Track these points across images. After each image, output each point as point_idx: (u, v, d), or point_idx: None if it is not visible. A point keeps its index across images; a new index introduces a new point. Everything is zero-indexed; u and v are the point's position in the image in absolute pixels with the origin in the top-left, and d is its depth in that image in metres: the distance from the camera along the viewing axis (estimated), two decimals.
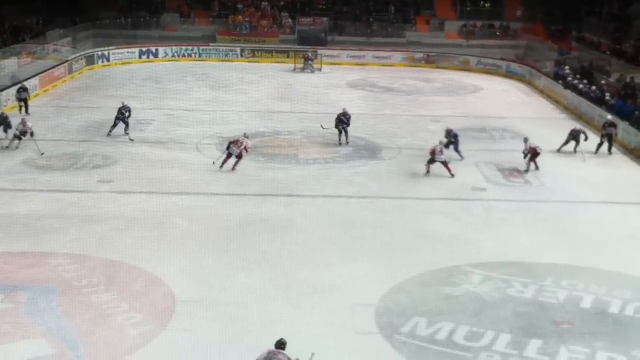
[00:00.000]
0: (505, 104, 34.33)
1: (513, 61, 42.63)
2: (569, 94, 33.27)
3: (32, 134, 23.51)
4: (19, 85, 29.60)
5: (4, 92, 29.64)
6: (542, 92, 36.97)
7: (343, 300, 14.09)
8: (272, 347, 10.70)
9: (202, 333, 12.68)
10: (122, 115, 25.68)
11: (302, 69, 41.43)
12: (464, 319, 13.52)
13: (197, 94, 33.93)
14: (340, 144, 25.29)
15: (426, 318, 13.52)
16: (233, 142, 21.95)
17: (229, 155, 21.74)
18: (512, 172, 22.88)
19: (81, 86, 35.54)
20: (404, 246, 16.86)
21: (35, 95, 31.77)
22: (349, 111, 26.27)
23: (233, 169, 21.68)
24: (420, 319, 13.47)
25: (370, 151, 25.14)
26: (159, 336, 12.77)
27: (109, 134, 25.56)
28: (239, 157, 21.76)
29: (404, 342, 12.74)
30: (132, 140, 25.11)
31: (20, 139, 23.65)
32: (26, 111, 28.45)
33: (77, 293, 14.21)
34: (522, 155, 22.90)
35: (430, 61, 44.45)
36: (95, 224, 17.73)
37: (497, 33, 47.08)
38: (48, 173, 21.48)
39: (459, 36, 46.89)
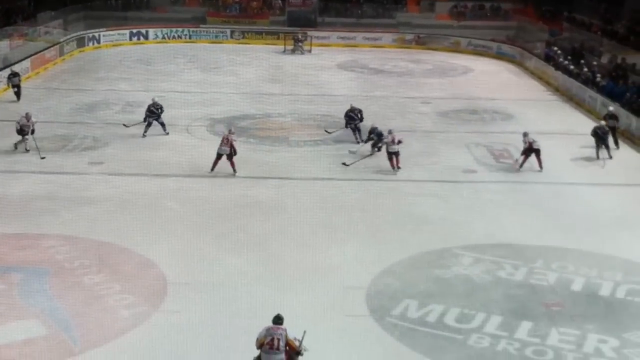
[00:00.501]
0: (496, 85, 34.39)
1: (504, 42, 42.67)
2: (559, 76, 33.36)
3: (33, 132, 21.55)
4: (9, 72, 28.97)
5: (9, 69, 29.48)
6: (532, 73, 37.04)
7: (333, 282, 14.16)
8: (270, 324, 10.77)
9: (193, 315, 12.75)
10: (154, 114, 23.65)
11: (292, 51, 41.33)
12: (455, 301, 13.62)
13: (188, 75, 33.85)
14: (358, 142, 23.33)
15: (417, 300, 13.62)
16: (221, 142, 20.25)
17: (219, 157, 20.06)
18: (503, 153, 22.96)
19: (72, 68, 35.42)
20: (394, 229, 16.95)
21: (27, 78, 31.63)
22: (356, 105, 24.68)
23: (234, 172, 20.07)
24: (411, 302, 13.57)
25: (361, 133, 25.10)
26: (151, 318, 12.86)
27: (144, 135, 23.38)
28: (230, 156, 20.11)
29: (395, 324, 12.85)
30: (167, 134, 23.62)
31: (21, 134, 21.51)
32: (18, 98, 28.01)
33: (69, 275, 14.27)
34: (522, 150, 21.20)
35: (421, 42, 44.44)
36: (87, 205, 17.75)
37: (488, 14, 47.07)
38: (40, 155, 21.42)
39: (449, 17, 46.86)
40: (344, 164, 21.32)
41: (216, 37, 44.02)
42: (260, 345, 10.64)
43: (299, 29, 44.04)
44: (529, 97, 32.16)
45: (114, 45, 41.30)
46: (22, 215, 17.00)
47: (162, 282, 14.01)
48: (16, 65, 31.10)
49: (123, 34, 42.41)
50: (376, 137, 22.09)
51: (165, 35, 43.49)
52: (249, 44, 43.31)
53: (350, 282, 14.22)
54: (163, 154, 21.49)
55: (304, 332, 10.72)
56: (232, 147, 20.12)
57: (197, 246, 15.59)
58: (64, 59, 36.90)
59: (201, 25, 44.82)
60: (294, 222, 17.04)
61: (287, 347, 10.62)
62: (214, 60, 37.36)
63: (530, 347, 12.29)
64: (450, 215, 17.92)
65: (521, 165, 21.29)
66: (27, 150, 21.44)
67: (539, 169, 21.09)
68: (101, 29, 41.57)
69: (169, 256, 14.96)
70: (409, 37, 44.78)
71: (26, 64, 32.45)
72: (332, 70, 36.69)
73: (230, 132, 20.64)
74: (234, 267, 14.77)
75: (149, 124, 23.57)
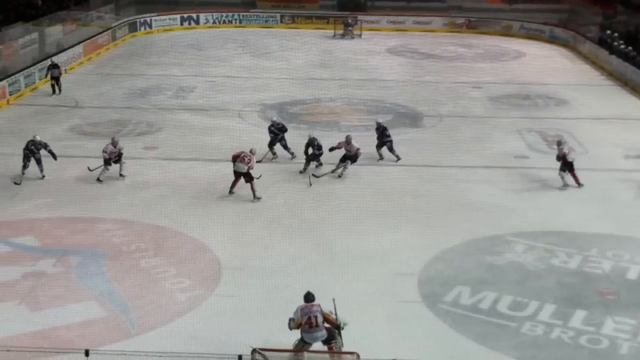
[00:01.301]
0: (548, 70, 33.85)
1: (557, 26, 41.83)
2: (614, 60, 32.68)
3: (119, 158, 19.02)
4: (48, 63, 27.89)
5: (50, 60, 29.89)
6: (586, 57, 36.31)
7: (385, 269, 14.24)
8: (302, 303, 10.94)
9: (247, 300, 12.91)
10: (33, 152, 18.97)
11: (342, 36, 41.19)
12: (508, 289, 13.57)
13: (238, 61, 34.06)
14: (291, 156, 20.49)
15: (469, 287, 13.60)
16: (238, 157, 17.69)
17: (238, 176, 17.73)
18: (556, 139, 22.59)
19: (124, 53, 35.95)
20: (445, 215, 16.88)
21: (80, 63, 32.24)
22: (279, 118, 21.64)
23: (255, 197, 17.57)
24: (464, 288, 13.56)
25: (411, 119, 25.10)
26: (206, 301, 13.09)
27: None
28: (250, 179, 17.63)
29: (447, 311, 12.86)
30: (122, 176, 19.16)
31: (109, 164, 18.79)
32: (59, 91, 27.14)
33: (126, 258, 14.60)
34: (556, 159, 18.99)
35: (472, 26, 43.90)
36: (142, 190, 18.10)
37: None
38: (95, 140, 21.83)
39: (501, 0, 46.14)
40: (314, 178, 18.79)
41: (266, 21, 44.14)
42: (297, 326, 10.77)
43: (348, 13, 43.91)
44: (583, 81, 31.61)
45: (165, 30, 41.70)
46: (79, 199, 17.44)
47: (216, 267, 14.25)
48: (69, 50, 31.67)
49: (174, 19, 42.80)
50: (317, 151, 19.35)
51: (216, 20, 43.74)
52: (298, 28, 43.31)
53: (401, 268, 14.26)
54: (216, 139, 21.67)
55: (333, 300, 10.89)
56: (249, 167, 17.53)
57: (250, 231, 15.76)
58: (116, 44, 37.44)
59: (251, 10, 44.99)
60: (345, 208, 17.11)
61: (325, 323, 10.76)
62: (264, 45, 37.50)
63: (585, 336, 12.18)
64: (502, 201, 17.80)
65: (564, 184, 18.67)
66: (121, 176, 18.96)
67: (576, 185, 18.71)
68: (152, 14, 41.98)
69: (222, 241, 15.16)
70: (459, 20, 44.27)
71: (79, 49, 33.03)
72: (382, 55, 36.54)
73: (251, 151, 17.90)
74: (286, 253, 14.94)
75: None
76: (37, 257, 14.55)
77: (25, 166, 18.57)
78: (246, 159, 17.49)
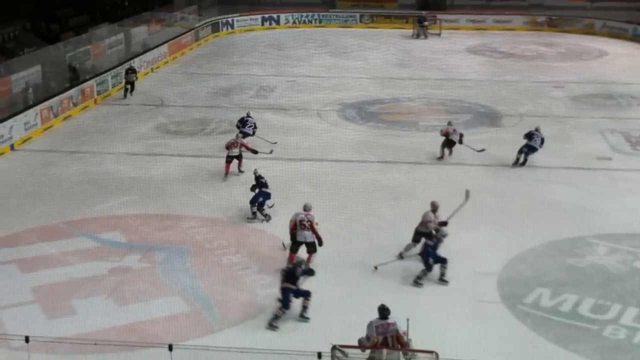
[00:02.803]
0: (632, 69, 32.91)
1: None
2: None
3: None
4: (127, 66, 28.36)
5: (137, 59, 30.98)
6: None
7: (464, 268, 14.21)
8: (376, 318, 10.65)
9: (327, 295, 13.10)
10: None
11: (417, 35, 40.51)
12: (589, 291, 13.38)
13: (318, 60, 34.37)
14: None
15: (550, 289, 13.47)
16: (231, 145, 19.35)
17: (230, 161, 19.28)
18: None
19: (207, 53, 36.72)
20: (525, 215, 16.68)
21: (165, 63, 33.14)
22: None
23: (240, 170, 19.41)
24: (544, 290, 13.44)
25: (491, 118, 24.91)
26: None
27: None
28: (240, 157, 19.40)
29: (527, 312, 12.78)
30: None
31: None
32: (131, 94, 27.43)
33: (209, 254, 15.00)
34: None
35: (553, 25, 43.03)
36: (223, 188, 18.54)
37: None
38: (179, 138, 22.51)
39: None
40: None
41: (345, 21, 44.32)
42: (373, 345, 10.49)
43: (427, 12, 43.65)
44: None
45: (247, 30, 42.36)
46: (163, 196, 17.96)
47: None
48: (155, 50, 32.58)
49: (255, 19, 43.44)
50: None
51: (296, 20, 44.20)
52: (377, 27, 43.30)
53: (481, 267, 14.23)
54: (296, 138, 21.99)
55: (407, 320, 10.47)
56: (241, 147, 19.16)
57: (330, 229, 15.86)
58: (199, 44, 38.26)
59: (330, 10, 45.27)
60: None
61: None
62: (343, 45, 37.71)
63: None
64: (583, 203, 17.51)
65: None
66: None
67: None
68: (234, 14, 42.71)
69: None
70: (540, 19, 43.46)
71: (164, 49, 33.92)
72: (461, 54, 36.27)
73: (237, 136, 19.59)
74: (365, 251, 15.06)
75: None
76: (124, 253, 15.10)
77: None
78: (235, 144, 19.19)
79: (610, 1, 44.19)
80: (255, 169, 17.18)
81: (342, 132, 22.68)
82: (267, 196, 16.82)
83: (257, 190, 16.76)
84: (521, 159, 19.97)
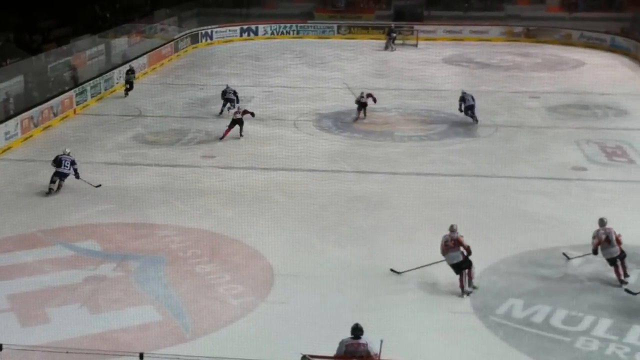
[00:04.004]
0: (609, 79, 33.24)
1: (618, 34, 41.05)
2: None
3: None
4: (127, 67, 30.19)
5: (116, 71, 30.97)
6: None
7: (437, 278, 14.22)
8: (348, 336, 10.36)
9: (299, 306, 13.11)
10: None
11: (386, 47, 40.55)
12: (562, 302, 13.40)
13: (295, 71, 34.43)
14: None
15: (523, 300, 13.50)
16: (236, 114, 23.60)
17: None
18: (616, 151, 22.28)
19: (186, 64, 36.73)
20: (500, 226, 16.75)
21: (144, 74, 33.07)
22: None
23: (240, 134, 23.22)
24: (517, 301, 13.46)
25: (466, 128, 24.99)
26: (258, 308, 13.30)
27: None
28: (241, 123, 23.37)
29: (499, 323, 12.78)
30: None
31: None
32: (128, 91, 29.08)
33: (183, 264, 14.94)
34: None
35: (530, 35, 43.44)
36: (199, 197, 18.48)
37: (601, 5, 45.44)
38: (156, 148, 22.46)
39: (560, 9, 45.64)
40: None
41: (323, 32, 44.48)
42: None
43: (404, 23, 43.93)
44: None
45: (225, 42, 42.42)
46: (139, 205, 17.91)
47: (269, 273, 14.46)
48: (134, 62, 32.56)
49: (234, 30, 43.52)
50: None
51: (274, 31, 44.35)
52: (354, 38, 43.51)
53: (454, 278, 14.18)
54: (271, 148, 22.02)
55: (381, 341, 10.16)
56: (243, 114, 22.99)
57: (303, 239, 15.99)
58: (178, 55, 38.26)
59: (308, 21, 45.39)
60: (398, 217, 17.21)
61: None
62: (320, 56, 37.80)
63: None
64: (558, 213, 17.59)
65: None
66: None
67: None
68: (213, 26, 42.79)
69: (276, 248, 15.37)
70: (517, 29, 43.86)
71: (143, 60, 33.88)
72: (438, 65, 36.44)
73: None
74: (338, 260, 15.08)
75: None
76: (99, 262, 15.02)
77: (53, 181, 18.69)
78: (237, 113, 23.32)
79: (587, 12, 44.60)
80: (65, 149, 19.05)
81: (318, 142, 22.70)
82: (63, 176, 18.73)
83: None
84: (472, 120, 24.29)
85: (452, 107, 26.58)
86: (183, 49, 39.42)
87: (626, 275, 14.26)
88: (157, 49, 36.17)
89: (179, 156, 21.74)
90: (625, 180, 19.96)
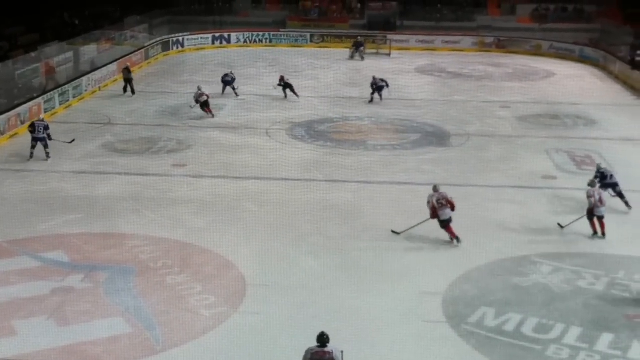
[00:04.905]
0: (578, 89, 33.66)
1: (587, 45, 41.62)
2: None
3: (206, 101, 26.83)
4: (124, 66, 31.67)
5: (84, 78, 30.66)
6: (617, 77, 36.03)
7: (410, 288, 14.24)
8: (314, 344, 10.37)
9: (271, 317, 13.00)
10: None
11: (351, 56, 40.68)
12: (533, 311, 13.47)
13: (268, 79, 34.23)
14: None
15: (494, 308, 13.53)
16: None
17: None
18: (585, 160, 22.50)
19: (157, 72, 36.49)
20: (472, 235, 16.77)
21: (114, 81, 32.77)
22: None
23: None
24: (488, 310, 13.49)
25: (439, 138, 25.09)
26: (230, 318, 13.17)
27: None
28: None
29: (471, 332, 12.80)
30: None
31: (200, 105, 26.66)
32: (132, 92, 30.42)
33: (153, 274, 14.74)
34: None
35: (501, 46, 43.87)
36: (170, 207, 18.30)
37: (571, 17, 46.04)
38: (126, 157, 22.21)
39: (531, 20, 46.09)
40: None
41: (296, 41, 44.50)
42: None
43: (378, 32, 44.11)
44: (614, 102, 31.31)
45: (197, 49, 42.24)
46: (108, 215, 17.64)
47: (241, 284, 14.34)
48: (104, 69, 32.28)
49: (206, 38, 43.37)
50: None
51: (247, 39, 44.26)
52: (328, 47, 43.58)
53: (426, 287, 14.24)
54: (243, 157, 21.91)
55: (342, 352, 10.33)
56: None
57: (276, 248, 15.89)
58: (149, 63, 37.99)
59: (281, 29, 45.37)
60: (372, 226, 17.18)
61: None
62: (293, 64, 37.75)
63: None
64: (529, 222, 17.69)
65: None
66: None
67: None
68: (185, 33, 42.60)
69: (248, 258, 15.30)
70: (489, 40, 44.25)
71: (113, 67, 33.53)
72: (411, 74, 36.60)
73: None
74: (311, 270, 15.01)
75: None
76: (66, 273, 14.77)
77: (33, 146, 21.63)
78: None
79: (557, 23, 45.14)
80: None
81: (291, 151, 22.64)
82: (40, 140, 21.39)
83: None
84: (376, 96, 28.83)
85: (426, 117, 26.75)
86: (154, 56, 39.16)
87: (604, 234, 16.67)
88: (127, 56, 35.82)
89: (150, 165, 21.51)
90: None
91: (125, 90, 30.41)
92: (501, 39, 44.06)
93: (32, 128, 21.66)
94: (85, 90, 30.15)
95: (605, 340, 12.58)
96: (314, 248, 16.04)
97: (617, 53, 38.28)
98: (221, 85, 30.38)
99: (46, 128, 21.72)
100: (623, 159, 22.46)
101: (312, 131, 25.37)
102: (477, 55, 42.42)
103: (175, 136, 24.42)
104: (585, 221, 16.91)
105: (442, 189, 16.48)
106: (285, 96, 29.80)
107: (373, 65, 38.55)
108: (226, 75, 30.65)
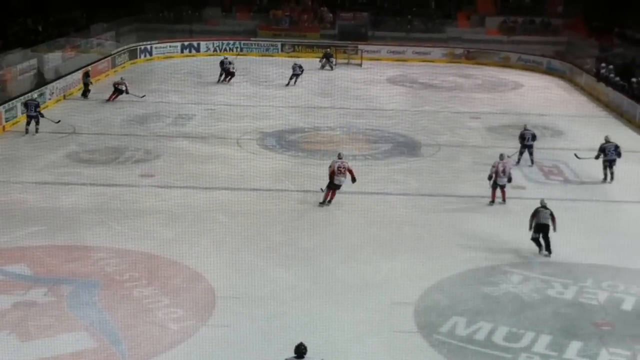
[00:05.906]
0: (545, 101, 33.93)
1: (554, 58, 42.13)
2: (610, 92, 32.79)
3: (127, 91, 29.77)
4: (83, 71, 32.31)
5: (49, 86, 30.14)
6: (583, 89, 36.46)
7: (382, 298, 14.13)
8: (292, 355, 10.30)
9: (241, 329, 12.79)
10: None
11: (322, 67, 40.65)
12: (504, 320, 13.45)
13: (238, 89, 34.15)
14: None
15: (465, 318, 13.47)
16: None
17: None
18: (552, 170, 22.65)
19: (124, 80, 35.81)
20: (443, 244, 16.80)
21: (79, 89, 32.19)
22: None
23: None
24: (460, 319, 13.43)
25: (410, 148, 25.08)
26: (199, 332, 12.90)
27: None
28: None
29: (443, 341, 12.72)
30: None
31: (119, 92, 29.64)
32: (86, 97, 31.12)
33: (119, 287, 14.41)
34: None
35: (471, 57, 44.18)
36: (137, 218, 17.98)
37: (538, 29, 46.56)
38: (91, 167, 21.83)
39: (499, 32, 46.50)
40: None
41: (267, 50, 44.41)
42: None
43: (349, 42, 44.18)
44: (579, 113, 31.68)
45: (165, 58, 41.89)
46: (73, 227, 17.22)
47: (210, 296, 14.09)
48: (68, 77, 31.85)
49: (175, 46, 43.04)
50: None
51: (217, 48, 43.91)
52: (299, 57, 43.36)
53: (398, 297, 14.13)
54: (213, 167, 21.68)
55: None
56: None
57: (246, 260, 15.67)
58: (115, 71, 37.44)
59: (252, 38, 45.23)
60: (343, 236, 17.06)
61: None
62: (264, 74, 37.61)
63: None
64: (499, 232, 17.69)
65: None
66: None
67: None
68: (153, 41, 42.19)
69: (217, 269, 15.03)
70: (458, 51, 44.56)
71: (78, 75, 32.94)
72: (382, 85, 36.67)
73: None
74: (282, 281, 14.83)
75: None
76: (29, 286, 14.36)
77: (28, 122, 24.86)
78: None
79: (525, 35, 45.67)
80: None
81: (262, 161, 22.47)
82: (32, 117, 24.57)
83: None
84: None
85: (397, 127, 26.72)
86: (121, 64, 38.68)
87: (504, 200, 19.50)
88: (93, 64, 35.24)
89: (116, 175, 21.13)
90: (562, 198, 20.11)
91: (84, 95, 30.85)
92: (470, 50, 44.40)
93: (25, 107, 25.06)
94: (49, 99, 29.56)
95: (574, 348, 12.60)
96: (285, 259, 15.85)
97: (582, 65, 38.79)
98: (219, 69, 34.11)
99: (37, 106, 25.00)
100: (588, 169, 22.55)
101: (283, 141, 25.22)
102: (447, 66, 42.66)
103: (142, 146, 24.08)
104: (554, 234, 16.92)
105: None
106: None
107: (344, 75, 38.55)
108: (222, 62, 34.68)
